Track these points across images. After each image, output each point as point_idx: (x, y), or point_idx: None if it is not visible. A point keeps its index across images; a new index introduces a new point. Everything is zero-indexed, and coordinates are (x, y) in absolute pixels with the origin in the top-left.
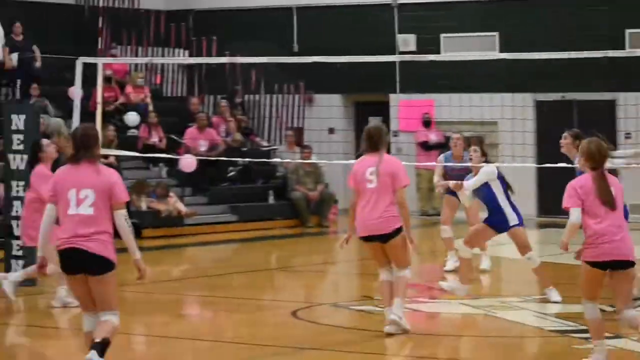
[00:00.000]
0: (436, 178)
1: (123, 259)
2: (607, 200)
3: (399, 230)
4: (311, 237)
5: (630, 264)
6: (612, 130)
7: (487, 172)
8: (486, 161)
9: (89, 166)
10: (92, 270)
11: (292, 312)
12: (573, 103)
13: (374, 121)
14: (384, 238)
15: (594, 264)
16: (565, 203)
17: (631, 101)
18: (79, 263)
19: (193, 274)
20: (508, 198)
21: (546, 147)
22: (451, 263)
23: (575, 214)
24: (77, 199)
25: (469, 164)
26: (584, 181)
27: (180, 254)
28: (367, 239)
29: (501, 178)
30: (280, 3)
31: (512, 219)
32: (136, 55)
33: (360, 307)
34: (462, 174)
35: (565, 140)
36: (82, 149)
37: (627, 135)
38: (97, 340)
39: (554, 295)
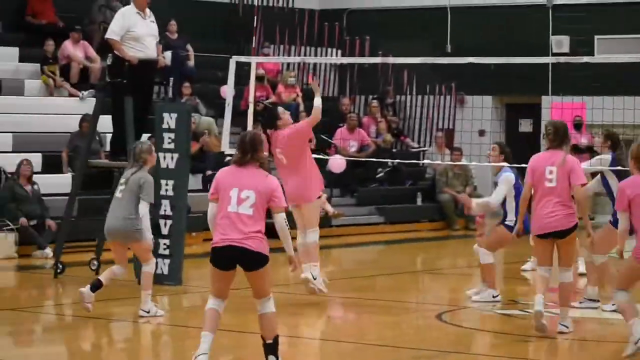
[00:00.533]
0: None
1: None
2: None
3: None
4: (457, 240)
5: None
6: None
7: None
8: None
9: (253, 169)
10: (250, 265)
11: (437, 315)
12: None
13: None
14: (562, 234)
15: None
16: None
17: None
18: (236, 259)
19: (338, 275)
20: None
21: None
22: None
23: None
24: (239, 199)
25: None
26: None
27: (326, 255)
28: (543, 236)
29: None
30: (434, 3)
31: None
32: (289, 55)
33: (505, 312)
34: None
35: (493, 152)
36: (250, 152)
37: None
38: (269, 341)
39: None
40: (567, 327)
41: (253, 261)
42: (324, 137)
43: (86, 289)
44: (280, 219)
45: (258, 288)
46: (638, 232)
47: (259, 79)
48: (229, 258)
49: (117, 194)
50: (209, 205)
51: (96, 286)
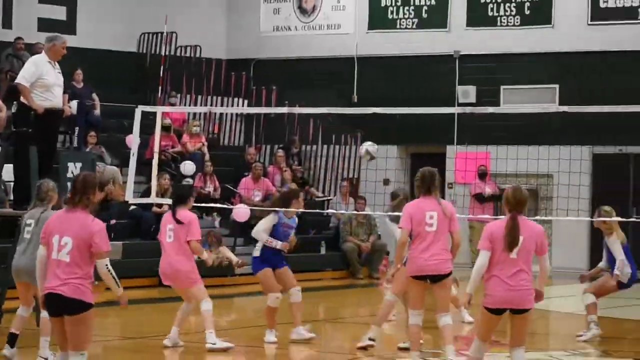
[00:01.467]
0: None
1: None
2: None
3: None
4: (360, 289)
5: None
6: None
7: None
8: None
9: (80, 213)
10: (67, 312)
11: None
12: (630, 156)
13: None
14: (438, 279)
15: None
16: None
17: None
18: (57, 307)
19: (240, 324)
20: None
21: (602, 202)
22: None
23: None
24: (59, 245)
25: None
26: None
27: (228, 305)
28: (419, 277)
29: None
30: (341, 53)
31: None
32: (195, 104)
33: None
34: None
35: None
36: (80, 194)
37: None
38: None
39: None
40: None
41: (67, 307)
42: (228, 186)
43: (7, 350)
44: (100, 265)
45: (71, 337)
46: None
47: (166, 128)
48: (51, 306)
49: (25, 234)
50: (38, 249)
51: (13, 340)
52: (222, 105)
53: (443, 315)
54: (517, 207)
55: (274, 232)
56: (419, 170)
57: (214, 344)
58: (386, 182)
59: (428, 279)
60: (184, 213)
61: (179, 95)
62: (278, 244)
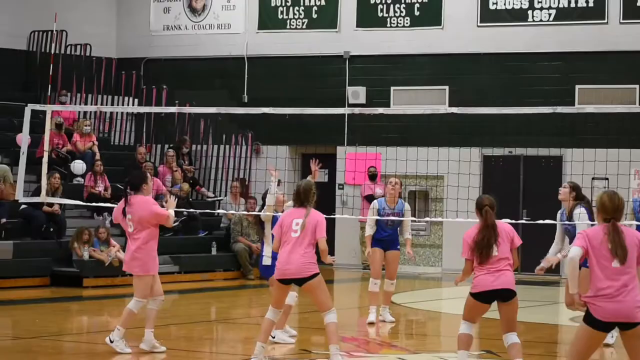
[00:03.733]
0: (368, 230)
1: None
2: None
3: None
4: (251, 290)
5: None
6: (558, 186)
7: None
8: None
9: None
10: None
11: None
12: (521, 158)
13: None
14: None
15: None
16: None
17: (578, 157)
18: None
19: (132, 324)
20: None
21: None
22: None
23: None
24: None
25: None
26: None
27: (120, 305)
28: (283, 281)
29: None
30: (231, 53)
31: None
32: (86, 103)
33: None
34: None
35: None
36: None
37: None
38: None
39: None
40: None
41: None
42: (119, 185)
43: None
44: None
45: None
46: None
47: (57, 126)
48: None
49: None
50: None
51: None
52: (112, 104)
53: (327, 313)
54: (615, 213)
55: None
56: (297, 184)
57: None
58: (277, 182)
59: (292, 282)
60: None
61: (69, 94)
62: None
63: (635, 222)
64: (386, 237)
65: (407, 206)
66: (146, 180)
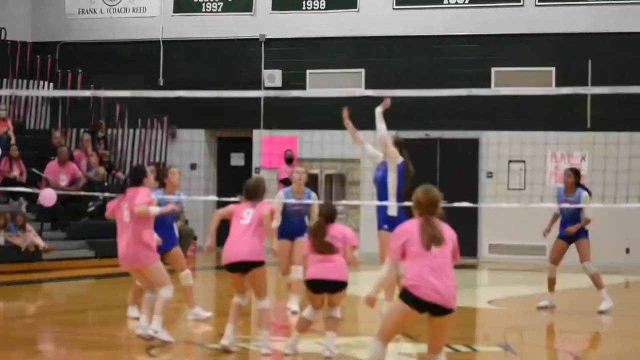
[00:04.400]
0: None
1: None
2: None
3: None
4: (170, 274)
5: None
6: (474, 168)
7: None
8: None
9: None
10: None
11: (146, 349)
12: (437, 141)
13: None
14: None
15: None
16: None
17: (494, 140)
18: None
19: (49, 310)
20: None
21: (406, 185)
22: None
23: None
24: None
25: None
26: None
27: (37, 290)
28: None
29: None
30: (147, 37)
31: None
32: (0, 87)
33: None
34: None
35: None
36: None
37: (489, 175)
38: None
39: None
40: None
41: None
42: (34, 170)
43: None
44: None
45: None
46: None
47: None
48: None
49: None
50: None
51: None
52: (27, 88)
53: (260, 300)
54: (429, 208)
55: None
56: (246, 182)
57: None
58: (193, 166)
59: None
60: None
61: None
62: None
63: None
64: (293, 227)
65: (313, 195)
66: (146, 173)
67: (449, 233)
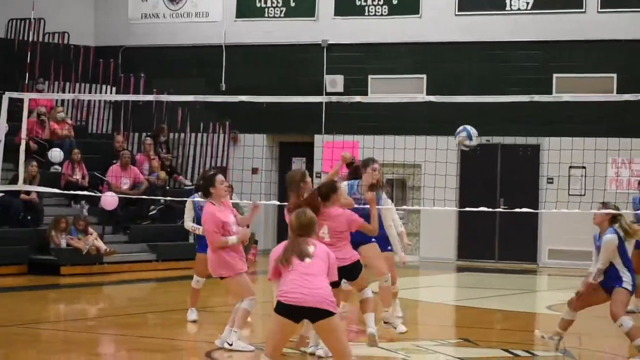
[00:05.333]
0: None
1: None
2: None
3: None
4: None
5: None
6: (535, 174)
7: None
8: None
9: None
10: None
11: (207, 353)
12: (498, 147)
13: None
14: None
15: None
16: None
17: (555, 146)
18: None
19: (110, 312)
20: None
21: (469, 192)
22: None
23: None
24: None
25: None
26: None
27: (97, 293)
28: None
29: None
30: (209, 42)
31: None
32: (64, 91)
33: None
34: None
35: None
36: None
37: (550, 180)
38: None
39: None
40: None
41: None
42: (96, 174)
43: None
44: None
45: None
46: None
47: (39, 116)
48: None
49: None
50: None
51: None
52: (90, 92)
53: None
54: (300, 230)
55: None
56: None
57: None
58: (254, 170)
59: None
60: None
61: (46, 82)
62: (199, 229)
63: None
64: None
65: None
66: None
67: (323, 251)
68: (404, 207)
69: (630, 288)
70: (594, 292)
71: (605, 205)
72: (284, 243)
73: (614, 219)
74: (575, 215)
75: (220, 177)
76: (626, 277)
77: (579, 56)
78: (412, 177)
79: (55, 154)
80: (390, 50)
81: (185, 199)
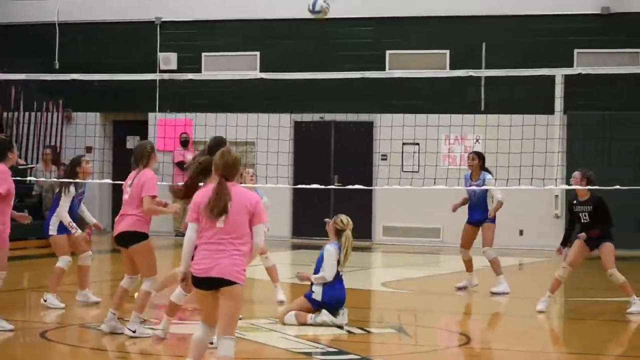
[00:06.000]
0: None
1: None
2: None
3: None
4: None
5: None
6: (369, 151)
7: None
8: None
9: None
10: None
11: (41, 333)
12: (332, 124)
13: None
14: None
15: None
16: None
17: (388, 122)
18: None
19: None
20: None
21: (303, 169)
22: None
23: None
24: None
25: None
26: None
27: None
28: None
29: None
30: (43, 19)
31: None
32: None
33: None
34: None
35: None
36: None
37: (383, 157)
38: None
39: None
40: (133, 332)
41: None
42: None
43: None
44: None
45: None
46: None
47: None
48: None
49: None
50: None
51: None
52: None
53: (145, 280)
54: (225, 171)
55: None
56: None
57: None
58: (88, 149)
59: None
60: None
61: None
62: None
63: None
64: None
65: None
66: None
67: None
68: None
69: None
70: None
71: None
72: (208, 188)
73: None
74: (408, 192)
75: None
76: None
77: (412, 33)
78: (246, 155)
79: None
80: (224, 27)
81: (20, 178)
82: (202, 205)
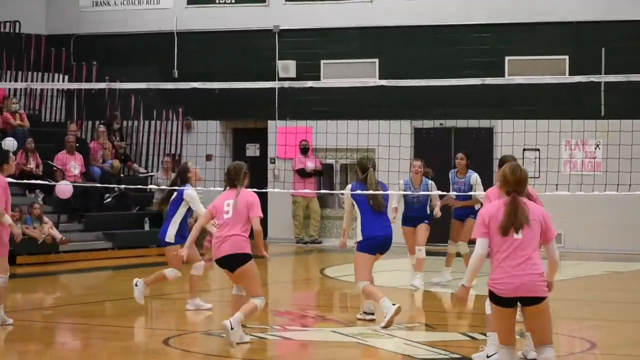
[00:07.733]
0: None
1: None
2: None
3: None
4: (185, 265)
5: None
6: (489, 157)
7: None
8: None
9: None
10: None
11: (164, 340)
12: (452, 130)
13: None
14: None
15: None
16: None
17: (508, 128)
18: None
19: (66, 301)
20: None
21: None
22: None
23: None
24: None
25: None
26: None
27: (54, 281)
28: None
29: None
30: (161, 28)
31: None
32: (15, 80)
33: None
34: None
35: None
36: None
37: None
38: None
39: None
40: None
41: None
42: (49, 162)
43: None
44: None
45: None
46: None
47: None
48: None
49: None
50: None
51: None
52: (42, 81)
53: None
54: (517, 186)
55: None
56: (229, 165)
57: None
58: (208, 157)
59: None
60: None
61: None
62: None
63: None
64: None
65: (431, 184)
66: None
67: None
68: (358, 191)
69: None
70: None
71: None
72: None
73: None
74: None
75: None
76: None
77: (530, 38)
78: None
79: (9, 143)
80: (342, 34)
81: (140, 186)
82: (495, 220)
